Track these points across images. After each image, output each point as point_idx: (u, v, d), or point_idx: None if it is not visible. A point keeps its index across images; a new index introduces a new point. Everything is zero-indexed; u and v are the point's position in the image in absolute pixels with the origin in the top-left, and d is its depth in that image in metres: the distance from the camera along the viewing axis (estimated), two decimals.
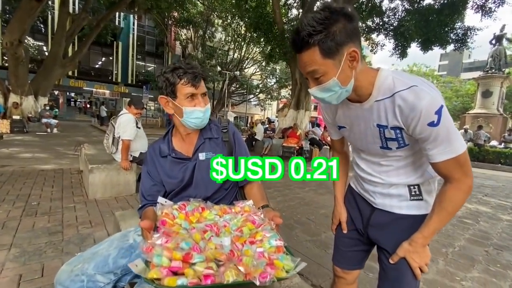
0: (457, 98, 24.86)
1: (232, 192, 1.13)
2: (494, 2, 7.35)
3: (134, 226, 1.31)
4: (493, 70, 13.39)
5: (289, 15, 11.03)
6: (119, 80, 23.54)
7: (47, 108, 10.91)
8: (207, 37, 21.87)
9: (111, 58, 23.25)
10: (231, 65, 23.50)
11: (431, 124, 0.69)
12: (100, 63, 23.96)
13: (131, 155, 3.32)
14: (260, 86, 26.45)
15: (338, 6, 0.71)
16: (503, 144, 11.05)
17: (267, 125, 9.31)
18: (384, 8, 9.56)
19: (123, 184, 3.24)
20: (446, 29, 8.10)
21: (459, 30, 8.35)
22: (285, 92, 27.93)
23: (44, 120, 10.14)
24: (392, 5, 9.22)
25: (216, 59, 22.80)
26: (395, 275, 0.90)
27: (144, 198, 1.07)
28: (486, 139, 10.45)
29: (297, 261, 0.70)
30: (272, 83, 26.43)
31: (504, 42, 14.00)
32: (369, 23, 9.83)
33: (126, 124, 3.15)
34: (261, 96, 27.93)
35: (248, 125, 28.40)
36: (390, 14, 9.12)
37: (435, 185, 0.92)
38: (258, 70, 25.49)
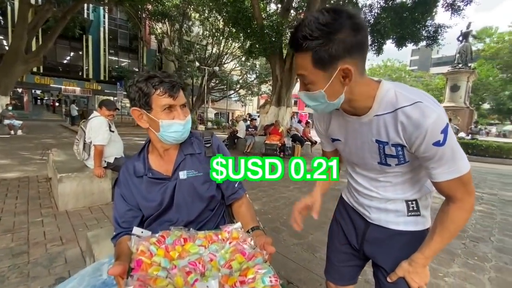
0: (428, 92, 26.20)
1: (218, 212, 1.03)
2: (463, 1, 7.74)
3: (108, 252, 1.18)
4: (461, 65, 14.22)
5: (268, 10, 10.90)
6: (91, 76, 22.21)
7: (10, 108, 10.02)
8: (184, 32, 21.17)
9: (80, 53, 21.81)
10: (209, 60, 22.98)
11: (437, 144, 0.65)
12: (68, 58, 22.40)
13: (105, 161, 3.09)
14: (240, 81, 26.18)
15: (348, 10, 0.62)
16: (470, 135, 11.83)
17: (249, 123, 9.20)
18: (360, 5, 9.74)
19: (97, 193, 3.02)
20: (419, 26, 8.40)
21: (430, 28, 8.69)
22: (265, 88, 27.89)
23: (6, 122, 9.32)
24: (369, 2, 9.41)
25: (194, 54, 22.18)
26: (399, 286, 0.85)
27: (118, 225, 0.94)
28: (455, 131, 11.09)
29: None
30: (252, 79, 26.26)
31: (470, 39, 14.85)
32: None
33: (98, 128, 2.92)
34: (242, 91, 27.69)
35: (230, 122, 28.20)
36: (367, 10, 9.30)
37: (431, 199, 0.88)
38: (237, 65, 25.17)
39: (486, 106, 24.27)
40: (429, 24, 8.67)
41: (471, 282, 1.95)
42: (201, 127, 20.48)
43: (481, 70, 21.15)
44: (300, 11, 10.73)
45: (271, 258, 0.78)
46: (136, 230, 0.86)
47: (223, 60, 24.27)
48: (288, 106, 9.32)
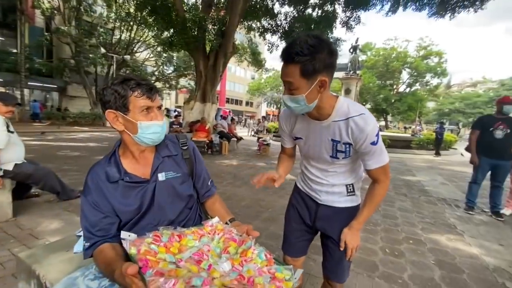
0: None
1: (194, 210, 1.10)
2: (354, 21, 9.60)
3: (58, 270, 1.08)
4: (351, 73, 17.44)
5: (187, 2, 10.51)
6: None
7: None
8: (82, 10, 17.91)
9: None
10: (118, 47, 20.29)
11: (373, 143, 0.96)
12: None
13: (1, 169, 2.48)
14: (156, 73, 24.20)
15: (327, 39, 0.86)
16: None
17: (173, 119, 8.77)
18: (276, 11, 10.61)
19: None
20: None
21: (331, 40, 10.33)
22: (184, 82, 26.72)
23: None
24: (283, 10, 10.38)
25: (97, 38, 19.12)
26: (339, 256, 1.17)
27: (92, 234, 0.90)
28: None
29: (291, 268, 0.78)
30: (170, 72, 24.67)
31: (358, 51, 18.32)
32: (265, 23, 10.72)
33: None
34: (158, 84, 25.67)
35: None
36: (282, 18, 10.24)
37: (361, 183, 1.21)
38: (152, 55, 23.15)
39: (368, 106, 30.52)
40: (330, 37, 10.29)
41: (370, 242, 2.60)
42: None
43: (364, 77, 26.39)
44: (222, 7, 10.82)
45: (255, 233, 0.91)
46: (124, 234, 0.85)
47: (135, 48, 21.89)
48: (213, 102, 9.35)
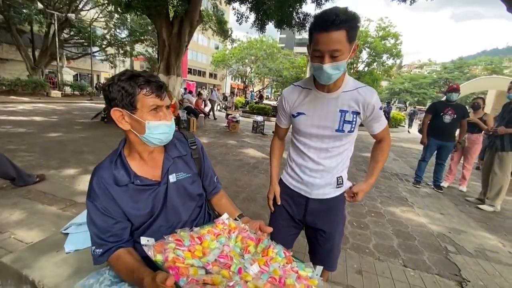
0: (293, 69, 31.07)
1: (204, 208, 1.10)
2: None
3: (53, 273, 1.03)
4: None
5: None
6: None
7: None
8: None
9: None
10: (58, 2, 17.33)
11: (380, 108, 1.09)
12: None
13: None
14: (108, 37, 21.49)
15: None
16: None
17: None
18: None
19: None
20: (294, 12, 9.68)
21: (301, 15, 10.20)
22: (141, 48, 24.29)
23: None
24: None
25: None
26: (330, 247, 1.25)
27: (104, 240, 0.86)
28: None
29: (311, 265, 0.85)
30: (124, 36, 22.06)
31: None
32: None
33: None
34: (110, 50, 22.93)
35: (96, 87, 23.16)
36: None
37: (346, 174, 1.26)
38: (101, 15, 20.33)
39: None
40: (300, 12, 10.14)
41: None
42: (55, 93, 15.90)
43: None
44: None
45: (267, 228, 0.96)
46: (143, 240, 0.83)
47: (80, 6, 18.96)
48: (178, 75, 8.75)
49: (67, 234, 1.30)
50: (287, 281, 0.75)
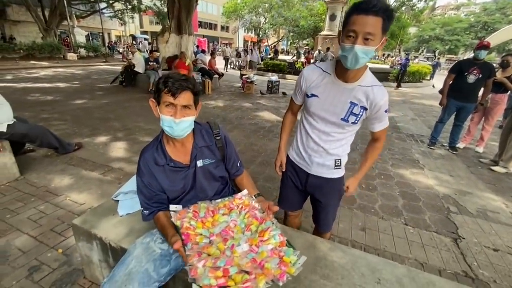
0: (311, 17, 28.58)
1: (228, 187, 1.32)
2: None
3: (116, 231, 1.32)
4: None
5: None
6: None
7: None
8: None
9: None
10: None
11: (386, 111, 1.16)
12: None
13: None
14: None
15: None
16: None
17: (148, 55, 8.06)
18: None
19: (0, 170, 2.46)
20: None
21: None
22: (148, 1, 23.05)
23: None
24: None
25: None
26: (325, 213, 1.49)
27: (149, 205, 1.15)
28: (331, 58, 13.34)
29: (297, 254, 0.95)
30: None
31: None
32: None
33: None
34: (118, 5, 22.01)
35: (108, 46, 22.89)
36: None
37: (346, 158, 1.37)
38: None
39: None
40: None
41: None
42: (71, 55, 16.05)
43: (350, 1, 24.32)
44: None
45: (273, 209, 1.14)
46: (172, 207, 1.09)
47: None
48: (190, 34, 8.51)
49: (117, 201, 1.59)
50: (266, 265, 0.88)
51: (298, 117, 1.46)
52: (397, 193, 2.85)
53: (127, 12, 22.40)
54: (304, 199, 1.57)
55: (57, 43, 16.14)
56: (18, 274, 1.57)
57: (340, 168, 1.34)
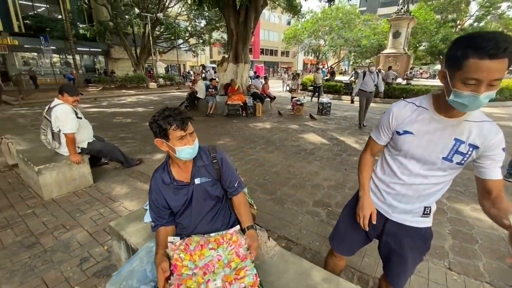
0: (374, 35, 27.45)
1: (225, 205, 1.43)
2: None
3: (138, 235, 1.56)
4: (403, 10, 15.09)
5: None
6: (0, 27, 18.01)
7: None
8: None
9: None
10: (149, 3, 20.15)
11: (503, 149, 0.96)
12: None
13: (78, 147, 3.14)
14: (189, 29, 23.90)
15: None
16: (405, 80, 13.35)
17: (209, 82, 9.06)
18: None
19: (79, 178, 3.14)
20: None
21: None
22: (217, 35, 26.04)
23: None
24: None
25: None
26: (402, 268, 1.23)
27: (156, 219, 1.34)
28: (394, 77, 12.42)
29: None
30: (203, 25, 24.08)
31: None
32: None
33: (65, 116, 2.90)
34: (192, 40, 25.53)
35: (182, 76, 26.44)
36: None
37: (435, 206, 1.18)
38: (184, 10, 22.60)
39: (421, 48, 26.59)
40: None
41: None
42: (152, 85, 19.10)
43: (420, 13, 22.50)
44: None
45: (256, 252, 1.21)
46: (170, 238, 1.26)
47: (166, 3, 21.50)
48: (246, 62, 9.27)
49: (147, 209, 1.88)
50: None
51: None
52: (447, 231, 2.45)
53: (199, 46, 25.70)
54: (364, 245, 1.37)
55: (143, 75, 19.53)
56: (72, 262, 1.98)
57: (428, 216, 1.15)
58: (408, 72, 13.77)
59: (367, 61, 32.08)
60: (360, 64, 31.71)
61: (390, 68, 12.85)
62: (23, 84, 12.90)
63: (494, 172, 0.96)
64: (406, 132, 1.06)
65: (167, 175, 1.32)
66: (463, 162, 0.99)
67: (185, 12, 22.68)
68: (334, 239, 1.43)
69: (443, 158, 1.00)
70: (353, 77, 16.17)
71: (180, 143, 1.19)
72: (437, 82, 16.44)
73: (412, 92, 11.85)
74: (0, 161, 4.02)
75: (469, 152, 0.97)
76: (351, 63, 36.10)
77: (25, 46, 18.68)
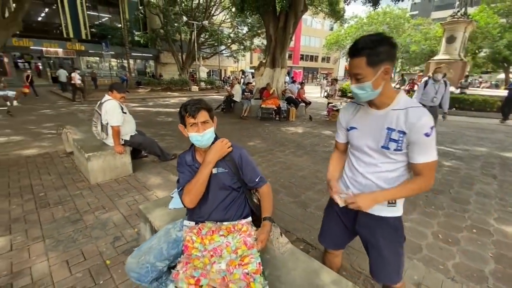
0: (425, 41, 25.44)
1: (240, 195, 1.47)
2: None
3: (160, 219, 1.69)
4: (460, 13, 13.73)
5: None
6: (71, 35, 20.84)
7: (2, 79, 9.82)
8: None
9: (54, 7, 20.04)
10: (197, 11, 21.48)
11: (426, 134, 0.99)
12: (43, 15, 20.68)
13: (122, 139, 3.49)
14: (232, 36, 24.85)
15: (388, 36, 1.00)
16: (459, 89, 12.05)
17: (245, 86, 9.32)
18: None
19: (121, 167, 3.48)
20: None
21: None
22: (258, 42, 26.63)
23: (0, 93, 9.25)
24: None
25: (179, 6, 20.59)
26: (380, 260, 1.25)
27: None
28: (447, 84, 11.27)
29: (265, 284, 1.08)
30: (244, 32, 24.87)
31: None
32: None
33: (112, 111, 3.25)
34: (234, 47, 26.48)
35: (222, 81, 27.53)
36: None
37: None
38: (228, 17, 23.61)
39: (482, 54, 23.86)
40: None
41: (422, 225, 2.59)
42: (194, 88, 20.22)
43: (481, 17, 20.26)
44: None
45: (263, 244, 1.27)
46: (186, 222, 1.36)
47: (212, 12, 22.69)
48: (282, 67, 9.33)
49: (173, 197, 2.02)
50: (230, 285, 1.03)
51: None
52: (490, 255, 2.17)
53: (240, 52, 26.55)
54: (349, 239, 1.43)
55: (187, 79, 20.80)
56: (107, 239, 2.21)
57: (394, 206, 1.18)
58: (463, 80, 12.39)
59: (416, 68, 29.82)
60: (408, 72, 29.58)
61: (445, 75, 11.75)
62: (86, 84, 14.68)
63: (418, 157, 1.05)
64: (352, 128, 1.22)
65: (191, 157, 1.43)
66: (399, 148, 1.07)
67: (229, 20, 23.66)
68: (321, 235, 1.52)
69: (382, 146, 1.11)
70: (398, 84, 15.18)
71: (191, 130, 1.31)
72: (499, 92, 14.55)
73: (467, 102, 10.69)
74: (60, 148, 4.65)
75: (400, 139, 1.05)
76: (397, 70, 33.90)
77: (89, 51, 21.30)
